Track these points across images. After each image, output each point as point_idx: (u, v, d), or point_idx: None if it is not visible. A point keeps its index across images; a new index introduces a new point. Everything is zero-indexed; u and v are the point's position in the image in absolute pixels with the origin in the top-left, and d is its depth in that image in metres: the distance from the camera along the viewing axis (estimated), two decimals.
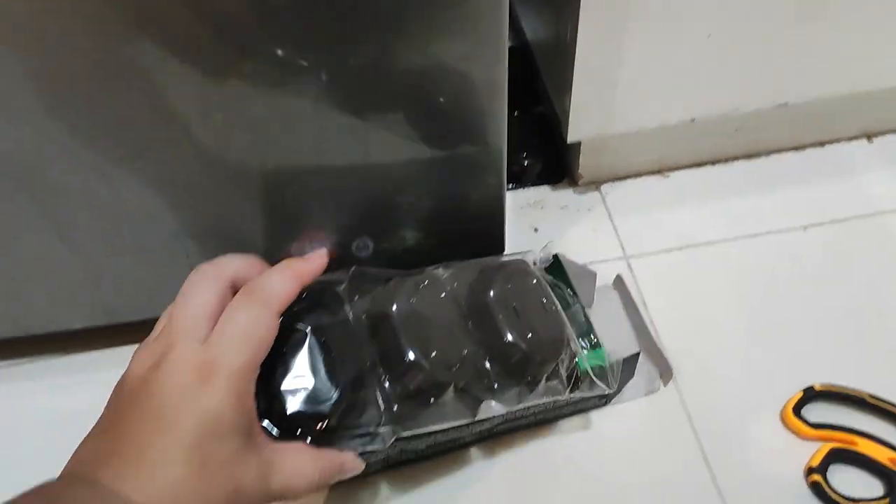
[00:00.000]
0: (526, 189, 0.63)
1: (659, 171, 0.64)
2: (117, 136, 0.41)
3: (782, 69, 0.56)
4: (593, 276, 0.53)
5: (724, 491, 0.46)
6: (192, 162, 0.42)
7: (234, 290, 0.35)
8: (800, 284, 0.56)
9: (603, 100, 0.54)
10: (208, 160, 0.43)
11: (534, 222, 0.61)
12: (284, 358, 0.37)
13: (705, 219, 0.60)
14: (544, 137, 0.65)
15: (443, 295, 0.42)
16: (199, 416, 0.31)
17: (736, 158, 0.64)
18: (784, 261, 0.57)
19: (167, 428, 0.31)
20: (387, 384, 0.39)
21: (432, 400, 0.39)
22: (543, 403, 0.44)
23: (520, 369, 0.42)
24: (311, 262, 0.38)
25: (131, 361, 0.34)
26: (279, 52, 0.38)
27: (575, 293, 0.50)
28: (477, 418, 0.41)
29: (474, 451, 0.48)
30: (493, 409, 0.41)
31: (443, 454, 0.48)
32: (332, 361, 0.37)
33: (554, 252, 0.51)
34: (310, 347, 0.37)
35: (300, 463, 0.35)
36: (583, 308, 0.49)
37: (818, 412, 0.49)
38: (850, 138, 0.65)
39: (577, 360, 0.45)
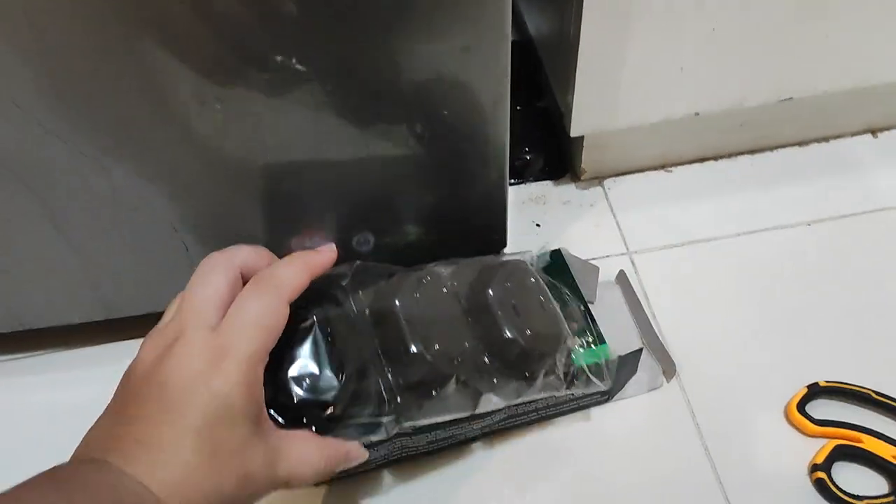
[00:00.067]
0: (528, 184, 0.63)
1: (662, 167, 0.63)
2: (115, 129, 0.41)
3: (787, 63, 0.56)
4: (596, 271, 0.53)
5: (727, 488, 0.46)
6: (190, 155, 0.42)
7: (244, 279, 0.36)
8: (804, 280, 0.55)
9: (606, 94, 0.54)
10: (207, 154, 0.42)
11: (536, 218, 0.60)
12: (290, 348, 0.37)
13: (709, 214, 0.60)
14: (547, 132, 0.65)
15: (444, 291, 0.43)
16: (209, 402, 0.31)
17: (740, 154, 0.64)
18: (788, 256, 0.57)
19: (178, 413, 0.31)
20: (390, 376, 0.39)
21: (434, 392, 0.40)
22: (542, 398, 0.44)
23: (518, 364, 0.42)
24: (321, 255, 0.38)
25: (141, 348, 0.34)
26: (278, 44, 0.38)
27: (576, 290, 0.50)
28: (477, 411, 0.41)
29: (476, 447, 0.48)
30: (493, 402, 0.42)
31: (444, 450, 0.48)
32: (336, 352, 0.38)
33: (551, 251, 0.51)
34: (315, 338, 0.37)
35: (306, 451, 0.35)
36: (580, 306, 0.49)
37: (823, 409, 0.49)
38: (855, 133, 0.65)
39: (573, 357, 0.45)
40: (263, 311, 0.34)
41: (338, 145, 0.43)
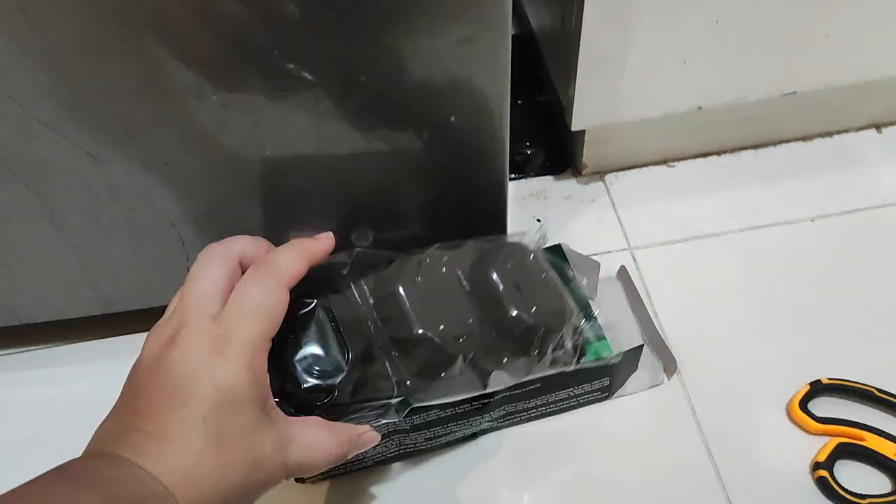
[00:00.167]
0: (529, 179, 0.62)
1: (665, 161, 0.63)
2: (114, 127, 0.40)
3: (791, 57, 0.55)
4: (597, 267, 0.52)
5: (728, 486, 0.46)
6: (189, 153, 0.42)
7: (243, 268, 0.36)
8: (807, 276, 0.55)
9: (608, 88, 0.54)
10: (206, 151, 0.42)
11: (536, 213, 0.60)
12: (294, 335, 0.37)
13: (711, 209, 0.59)
14: (548, 126, 0.65)
15: (445, 272, 0.43)
16: (213, 389, 0.31)
17: (743, 148, 0.64)
18: (791, 252, 0.57)
19: (183, 401, 0.31)
20: (397, 358, 0.40)
21: (442, 372, 0.40)
22: (551, 375, 0.44)
23: (525, 342, 0.42)
24: (319, 242, 0.38)
25: (144, 344, 0.34)
26: (278, 42, 0.38)
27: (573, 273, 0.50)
28: (487, 390, 0.42)
29: (475, 444, 0.48)
30: (502, 380, 0.42)
31: (442, 447, 0.47)
32: (341, 337, 0.38)
33: (551, 246, 0.51)
34: (318, 324, 0.38)
35: (317, 436, 0.35)
36: (583, 280, 0.49)
37: (825, 406, 0.48)
38: (859, 128, 0.64)
39: (580, 331, 0.45)
40: (264, 297, 0.34)
41: (337, 142, 0.43)
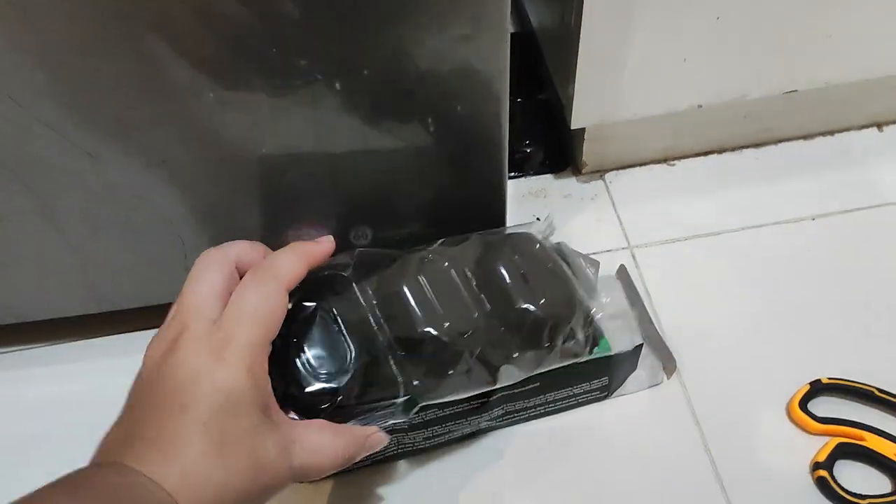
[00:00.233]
0: (528, 178, 0.62)
1: (665, 160, 0.63)
2: (112, 125, 0.40)
3: (792, 55, 0.55)
4: (596, 265, 0.52)
5: (727, 486, 0.46)
6: (188, 151, 0.42)
7: (240, 273, 0.36)
8: (807, 276, 0.55)
9: (607, 85, 0.53)
10: (205, 150, 0.42)
11: (536, 211, 0.60)
12: (296, 339, 0.37)
13: (712, 208, 0.59)
14: (548, 125, 0.64)
15: (449, 267, 0.42)
16: (214, 394, 0.31)
17: (744, 147, 0.63)
18: (792, 252, 0.56)
19: (183, 407, 0.31)
20: (403, 358, 0.39)
21: (449, 370, 0.40)
22: (550, 375, 0.44)
23: (535, 334, 0.42)
24: (318, 245, 0.38)
25: (146, 351, 0.34)
26: (277, 41, 0.38)
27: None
28: (497, 385, 0.41)
29: (474, 444, 0.48)
30: (512, 374, 0.41)
31: (441, 447, 0.47)
32: (344, 339, 0.38)
33: (554, 221, 0.50)
34: (321, 327, 0.38)
35: (321, 439, 0.35)
36: (593, 272, 0.48)
37: (825, 406, 0.48)
38: (861, 127, 0.64)
39: (591, 320, 0.44)
40: (262, 300, 0.34)
41: (335, 140, 0.43)
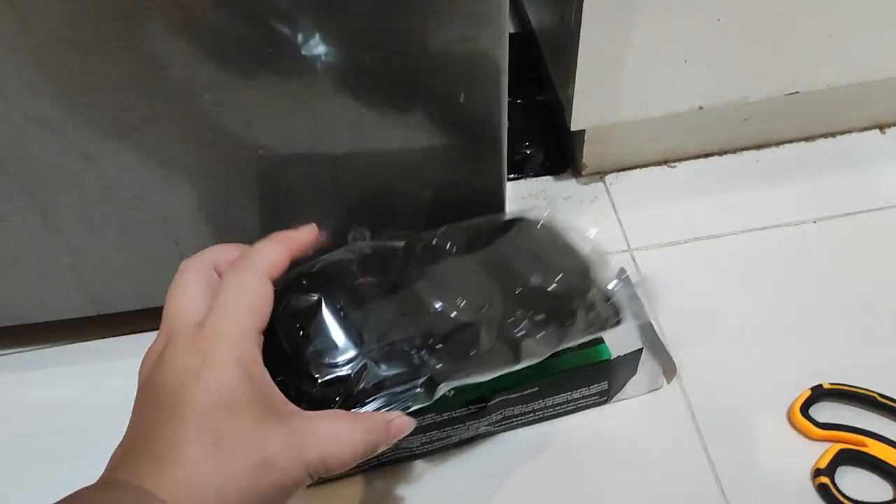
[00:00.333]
0: (528, 179, 0.62)
1: (665, 162, 0.62)
2: (102, 116, 0.40)
3: (794, 56, 0.55)
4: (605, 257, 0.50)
5: (728, 492, 0.45)
6: (179, 144, 0.42)
7: (220, 275, 0.35)
8: (809, 279, 0.54)
9: (608, 87, 0.53)
10: (197, 143, 0.42)
11: None
12: (303, 331, 0.36)
13: (712, 211, 0.59)
14: (548, 126, 0.64)
15: (457, 249, 0.41)
16: (203, 394, 0.30)
17: (745, 149, 0.63)
18: (793, 255, 0.56)
19: (174, 413, 0.30)
20: (420, 342, 0.37)
21: (470, 350, 0.38)
22: (585, 341, 0.43)
23: (555, 309, 0.40)
24: (299, 232, 0.37)
25: (139, 368, 0.34)
26: (272, 38, 0.37)
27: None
28: (521, 364, 0.39)
29: (472, 449, 0.48)
30: (535, 351, 0.39)
31: (439, 452, 0.47)
32: (354, 328, 0.36)
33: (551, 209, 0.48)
34: (329, 318, 0.36)
35: (338, 428, 0.33)
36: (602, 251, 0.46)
37: (826, 411, 0.48)
38: (863, 129, 0.64)
39: (616, 285, 0.43)
40: (242, 289, 0.33)
41: (332, 140, 0.43)
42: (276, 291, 0.35)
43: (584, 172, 0.62)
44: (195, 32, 0.37)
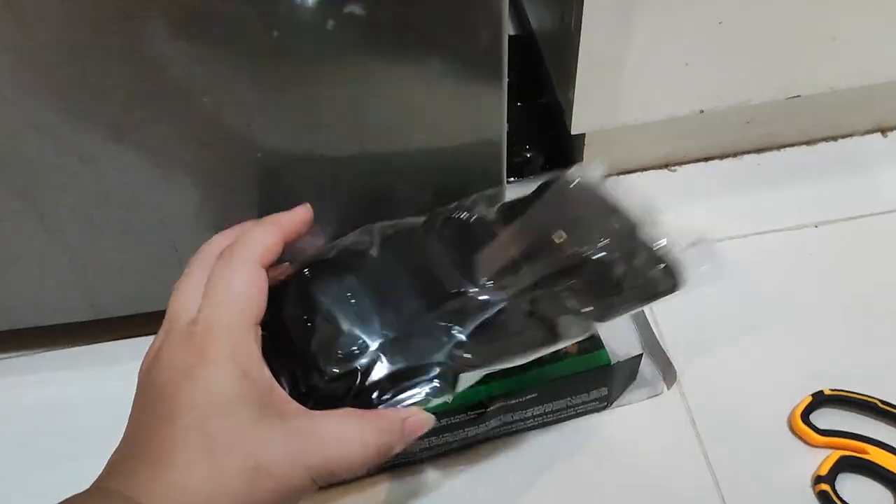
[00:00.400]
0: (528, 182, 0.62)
1: (666, 165, 0.62)
2: (100, 118, 0.40)
3: (795, 59, 0.55)
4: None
5: (728, 499, 0.45)
6: (178, 146, 0.42)
7: None
8: (810, 284, 0.54)
9: (608, 90, 0.53)
10: (196, 145, 0.42)
11: None
12: (313, 322, 0.34)
13: (713, 215, 0.58)
14: (548, 129, 0.64)
15: (482, 223, 0.38)
16: (195, 394, 0.29)
17: (746, 153, 0.63)
18: (794, 259, 0.56)
19: (166, 416, 0.29)
20: (440, 328, 0.34)
21: (501, 336, 0.35)
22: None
23: (595, 279, 0.36)
24: (292, 213, 0.36)
25: (140, 365, 0.33)
26: (269, 37, 0.37)
27: None
28: (559, 344, 0.36)
29: (472, 454, 0.47)
30: (576, 327, 0.36)
31: (438, 457, 0.47)
32: (369, 315, 0.34)
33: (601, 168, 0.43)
34: (341, 306, 0.34)
35: (345, 430, 0.30)
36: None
37: (827, 418, 0.47)
38: (864, 132, 0.64)
39: (663, 250, 0.38)
40: (232, 279, 0.31)
41: (331, 142, 0.43)
42: (284, 281, 0.33)
43: None
44: (195, 33, 0.37)
